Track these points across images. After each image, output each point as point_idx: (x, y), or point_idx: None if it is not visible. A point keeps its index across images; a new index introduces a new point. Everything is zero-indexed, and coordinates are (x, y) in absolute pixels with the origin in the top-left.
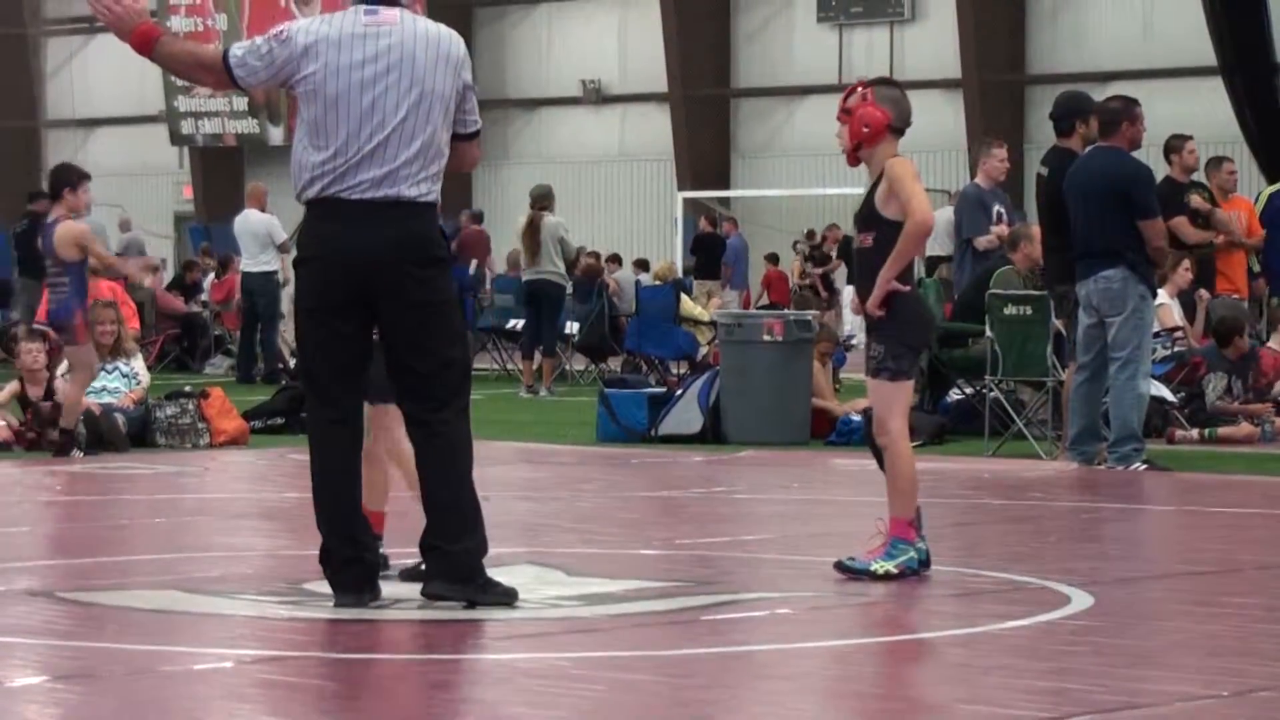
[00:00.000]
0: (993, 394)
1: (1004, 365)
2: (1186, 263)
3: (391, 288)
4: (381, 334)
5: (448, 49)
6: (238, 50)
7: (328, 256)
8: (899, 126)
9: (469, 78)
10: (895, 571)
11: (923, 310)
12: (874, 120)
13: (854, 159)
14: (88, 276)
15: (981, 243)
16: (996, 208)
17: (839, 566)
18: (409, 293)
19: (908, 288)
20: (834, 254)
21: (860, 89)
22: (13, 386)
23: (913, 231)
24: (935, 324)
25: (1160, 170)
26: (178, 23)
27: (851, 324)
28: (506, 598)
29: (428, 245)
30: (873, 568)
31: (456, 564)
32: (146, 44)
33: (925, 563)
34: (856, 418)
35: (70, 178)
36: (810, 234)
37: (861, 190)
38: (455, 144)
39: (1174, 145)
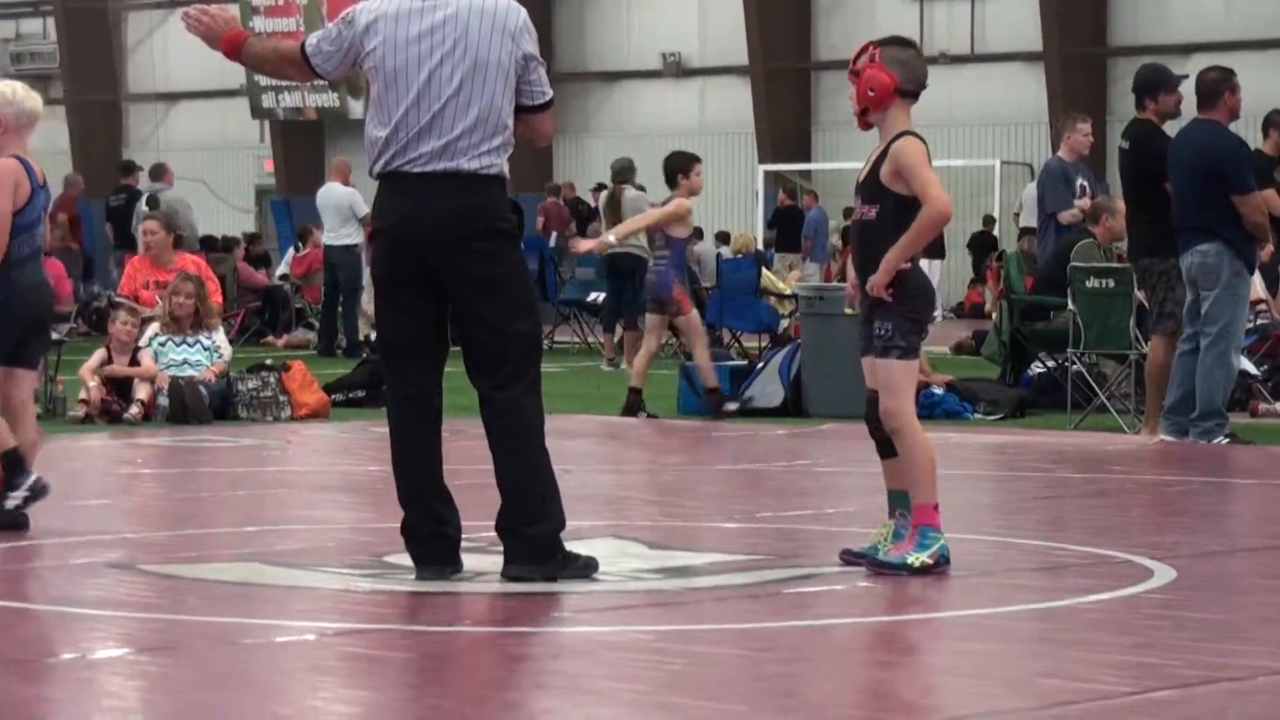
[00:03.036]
0: (1075, 367)
1: (1086, 338)
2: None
3: (453, 262)
4: (451, 307)
5: (504, 19)
6: (313, 40)
7: (393, 230)
8: (910, 89)
9: (531, 48)
10: (930, 561)
11: (926, 284)
12: (880, 84)
13: (864, 123)
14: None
15: (1065, 216)
16: (1080, 181)
17: (852, 557)
18: (470, 267)
19: (909, 265)
20: None
21: (870, 49)
22: (100, 355)
23: (929, 220)
24: (934, 298)
25: (1254, 143)
26: (260, 23)
27: None
28: (586, 570)
29: (490, 218)
30: (908, 560)
31: (533, 545)
32: (235, 49)
33: (948, 560)
34: (938, 390)
35: None
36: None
37: (954, 163)
38: (524, 116)
39: (1272, 120)
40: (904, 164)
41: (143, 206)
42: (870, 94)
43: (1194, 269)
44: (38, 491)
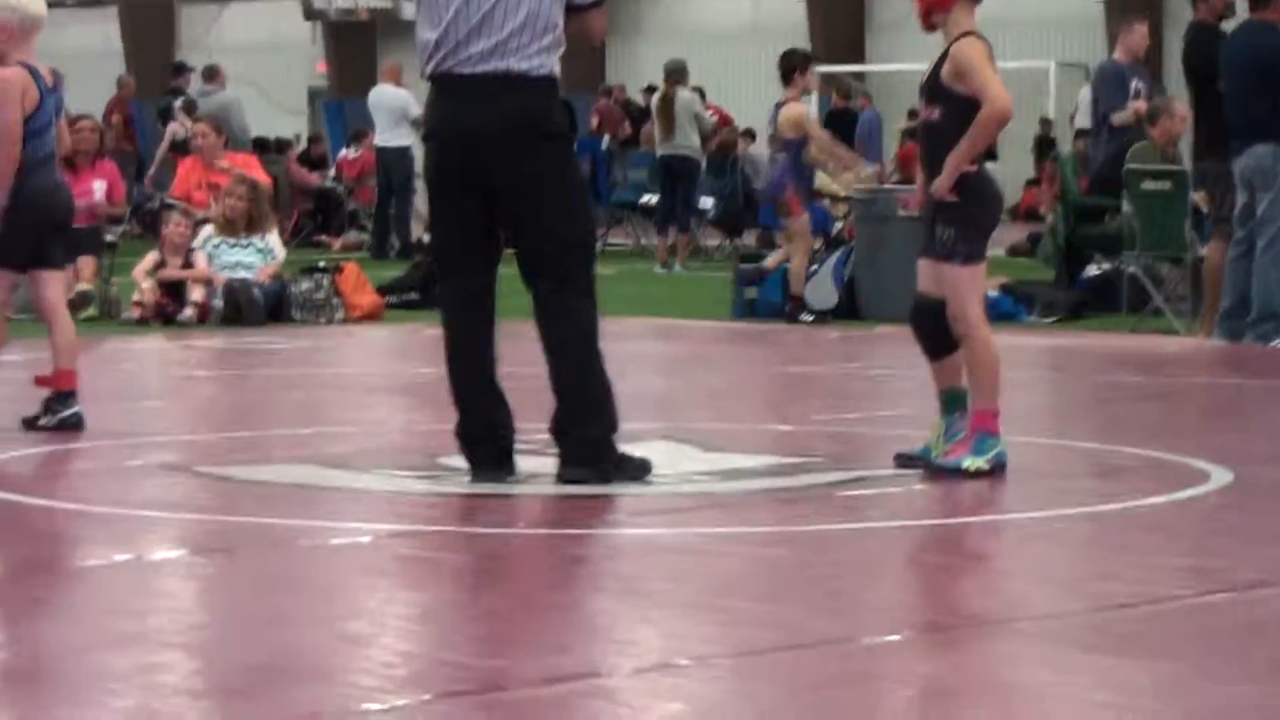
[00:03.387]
0: (1130, 269)
1: (1141, 240)
2: None
3: (503, 163)
4: (501, 210)
5: None
6: None
7: (444, 133)
8: None
9: None
10: (986, 467)
11: (993, 189)
12: None
13: (928, 25)
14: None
15: (1118, 118)
16: (1135, 83)
17: (906, 459)
18: (521, 169)
19: (975, 168)
20: None
21: None
22: (153, 257)
23: (988, 119)
24: (1003, 203)
25: None
26: None
27: None
28: (640, 471)
29: (541, 120)
30: (964, 464)
31: (588, 447)
32: None
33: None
34: (993, 293)
35: None
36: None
37: (1012, 64)
38: (575, 15)
39: None
40: (963, 64)
41: (176, 107)
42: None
43: (1248, 170)
44: (70, 423)
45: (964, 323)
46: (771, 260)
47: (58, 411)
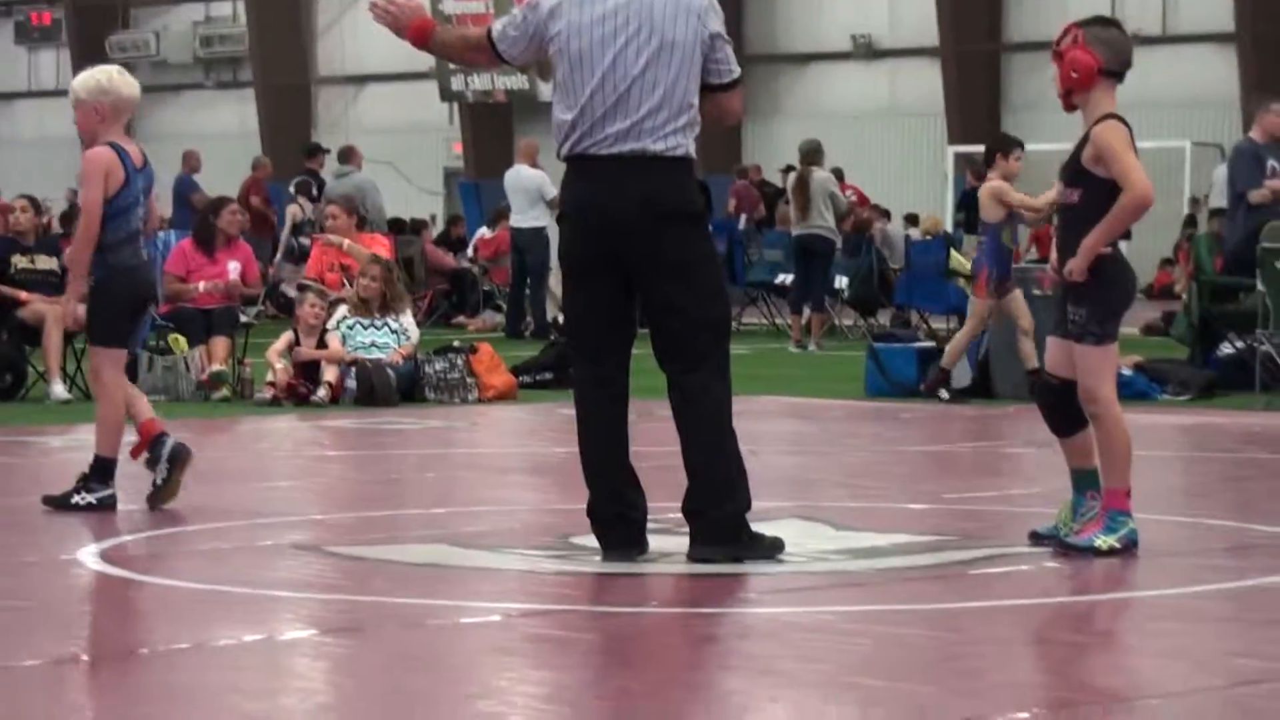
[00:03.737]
0: (1264, 348)
1: (1275, 318)
2: None
3: (642, 245)
4: (636, 291)
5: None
6: (498, 25)
7: (580, 215)
8: (1114, 70)
9: (717, 27)
10: (1118, 546)
11: (1127, 272)
12: (1083, 65)
13: (1068, 105)
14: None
15: (1255, 196)
16: (1271, 162)
17: (1040, 538)
18: (659, 250)
19: (1110, 250)
20: None
21: (1072, 30)
22: (287, 337)
23: (1130, 205)
24: (1137, 285)
25: None
26: (450, 6)
27: None
28: (772, 551)
29: (678, 201)
30: (1096, 543)
31: (720, 527)
32: (423, 38)
33: (1135, 543)
34: (1127, 371)
35: None
36: None
37: (1145, 144)
38: (712, 95)
39: None
40: (1103, 148)
41: (291, 190)
42: (1073, 75)
43: None
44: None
45: (1096, 402)
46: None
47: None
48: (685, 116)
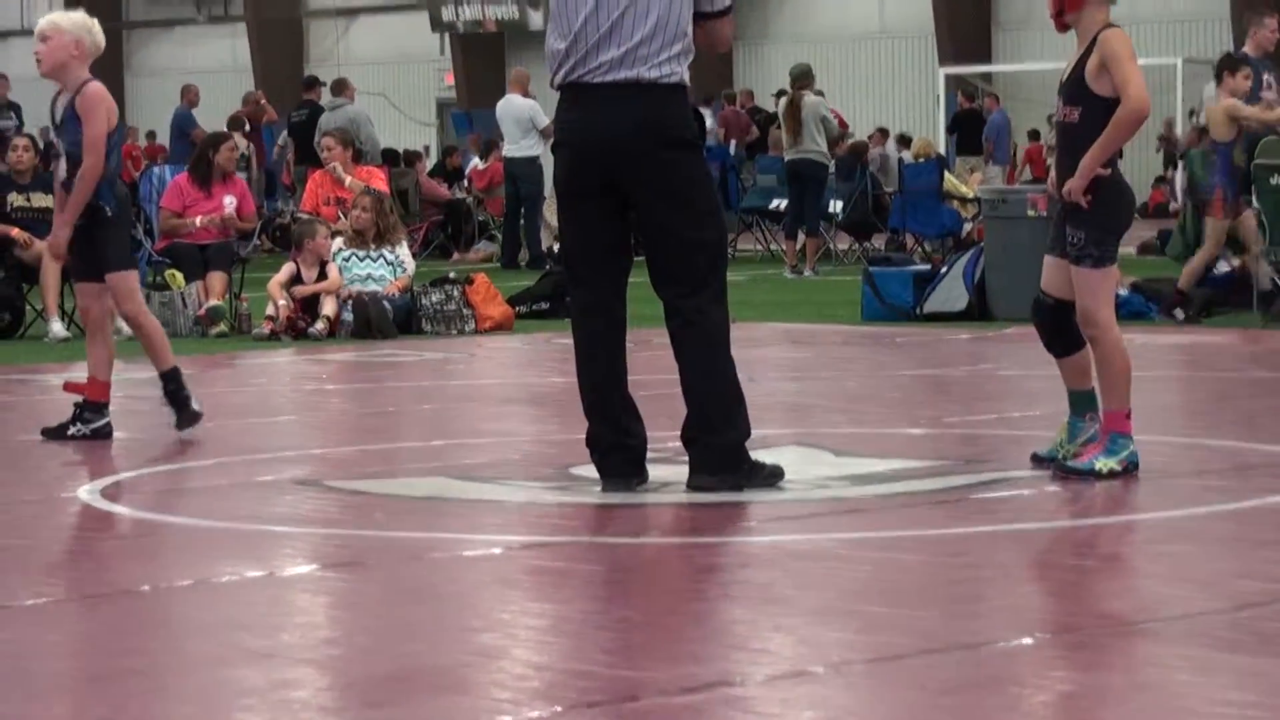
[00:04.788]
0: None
1: (1272, 235)
2: None
3: (637, 172)
4: (632, 218)
5: None
6: None
7: (574, 142)
8: None
9: None
10: (1119, 468)
11: (1125, 192)
12: None
13: (1061, 25)
14: None
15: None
16: (1266, 77)
17: (1040, 460)
18: (655, 177)
19: (1109, 171)
20: None
21: None
22: (288, 269)
23: (1127, 117)
24: (1136, 205)
25: None
26: None
27: None
28: (773, 478)
29: (673, 127)
30: (1096, 466)
31: (719, 455)
32: None
33: (1137, 465)
34: (1124, 291)
35: None
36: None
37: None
38: (704, 22)
39: None
40: (1109, 54)
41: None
42: None
43: None
44: (104, 433)
45: (1095, 325)
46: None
47: (91, 420)
48: (679, 44)
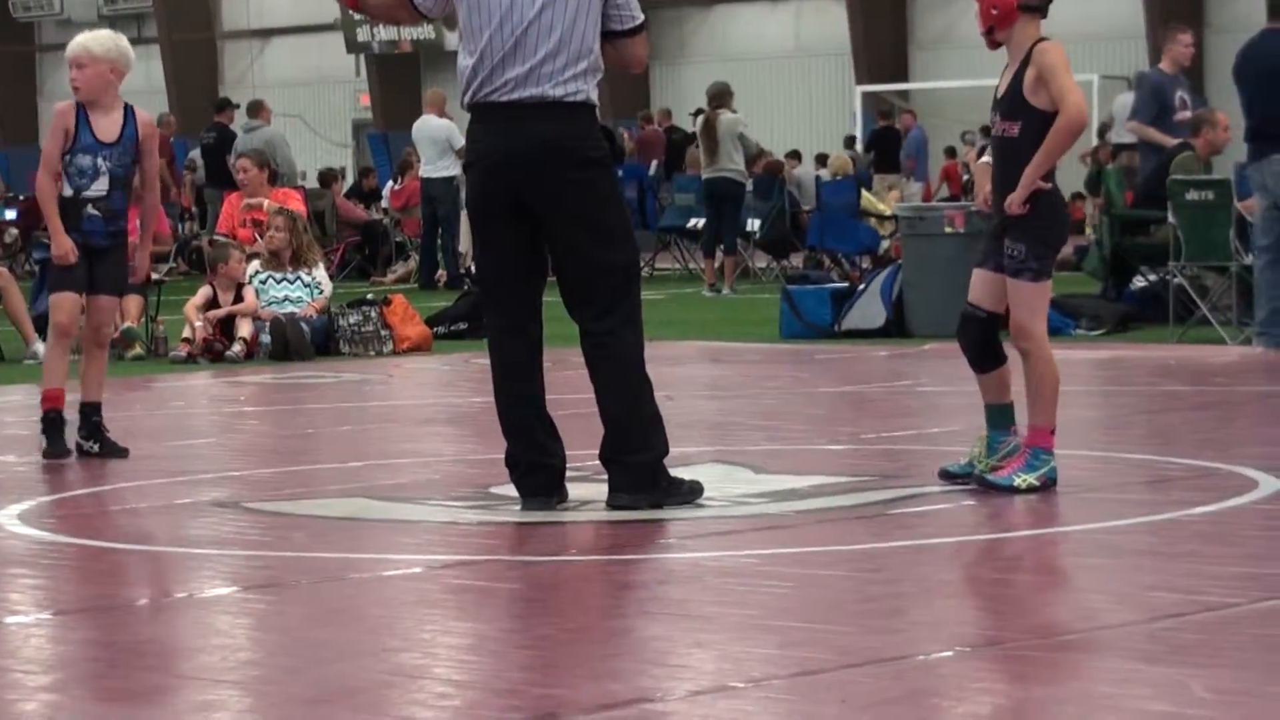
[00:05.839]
0: (1176, 280)
1: (1187, 251)
2: None
3: (543, 192)
4: (543, 237)
5: None
6: None
7: (483, 162)
8: (1035, 4)
9: None
10: (1037, 484)
11: (1063, 207)
12: (1001, 2)
13: (992, 43)
14: None
15: (1128, 126)
16: (1180, 94)
17: (952, 476)
18: (562, 196)
19: (1049, 185)
20: None
21: None
22: (205, 293)
23: (1065, 127)
24: (1070, 220)
25: None
26: None
27: None
28: (692, 495)
29: (580, 146)
30: (1015, 481)
31: (637, 473)
32: (356, 4)
33: (1054, 481)
34: None
35: None
36: (985, 129)
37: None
38: (616, 42)
39: None
40: (1045, 66)
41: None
42: (994, 12)
43: (1270, 178)
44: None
45: (1030, 339)
46: None
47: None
48: (584, 62)
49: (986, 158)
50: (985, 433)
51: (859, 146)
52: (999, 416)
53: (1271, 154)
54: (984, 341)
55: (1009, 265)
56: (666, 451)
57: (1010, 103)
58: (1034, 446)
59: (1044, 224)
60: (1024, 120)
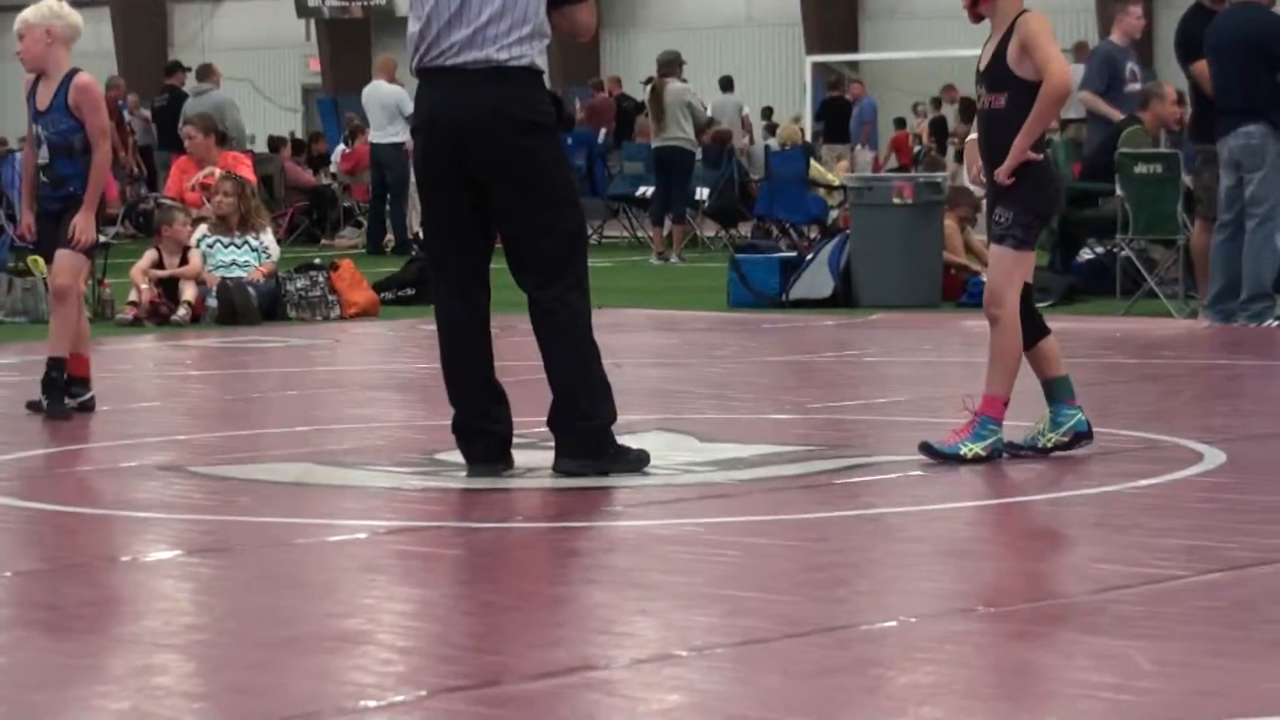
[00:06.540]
0: (1124, 253)
1: (1135, 224)
2: None
3: (487, 154)
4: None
5: None
6: None
7: (429, 127)
8: None
9: None
10: (983, 454)
11: (1054, 177)
12: None
13: (975, 15)
14: None
15: (1081, 96)
16: (1130, 65)
17: (925, 449)
18: (507, 161)
19: (1040, 156)
20: (957, 115)
21: None
22: (150, 256)
23: (1049, 94)
24: (1065, 190)
25: None
26: None
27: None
28: (638, 463)
29: (524, 111)
30: (961, 450)
31: (583, 440)
32: None
33: (1087, 433)
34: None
35: None
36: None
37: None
38: (561, 8)
39: None
40: (1027, 33)
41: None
42: None
43: (1237, 151)
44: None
45: (1000, 306)
46: None
47: (79, 395)
48: (529, 26)
49: (975, 133)
50: (1050, 407)
51: (807, 120)
52: (1056, 389)
53: (1239, 127)
54: (1022, 315)
55: (994, 231)
56: (614, 419)
57: (995, 75)
58: (985, 415)
59: (1034, 192)
60: (1010, 91)
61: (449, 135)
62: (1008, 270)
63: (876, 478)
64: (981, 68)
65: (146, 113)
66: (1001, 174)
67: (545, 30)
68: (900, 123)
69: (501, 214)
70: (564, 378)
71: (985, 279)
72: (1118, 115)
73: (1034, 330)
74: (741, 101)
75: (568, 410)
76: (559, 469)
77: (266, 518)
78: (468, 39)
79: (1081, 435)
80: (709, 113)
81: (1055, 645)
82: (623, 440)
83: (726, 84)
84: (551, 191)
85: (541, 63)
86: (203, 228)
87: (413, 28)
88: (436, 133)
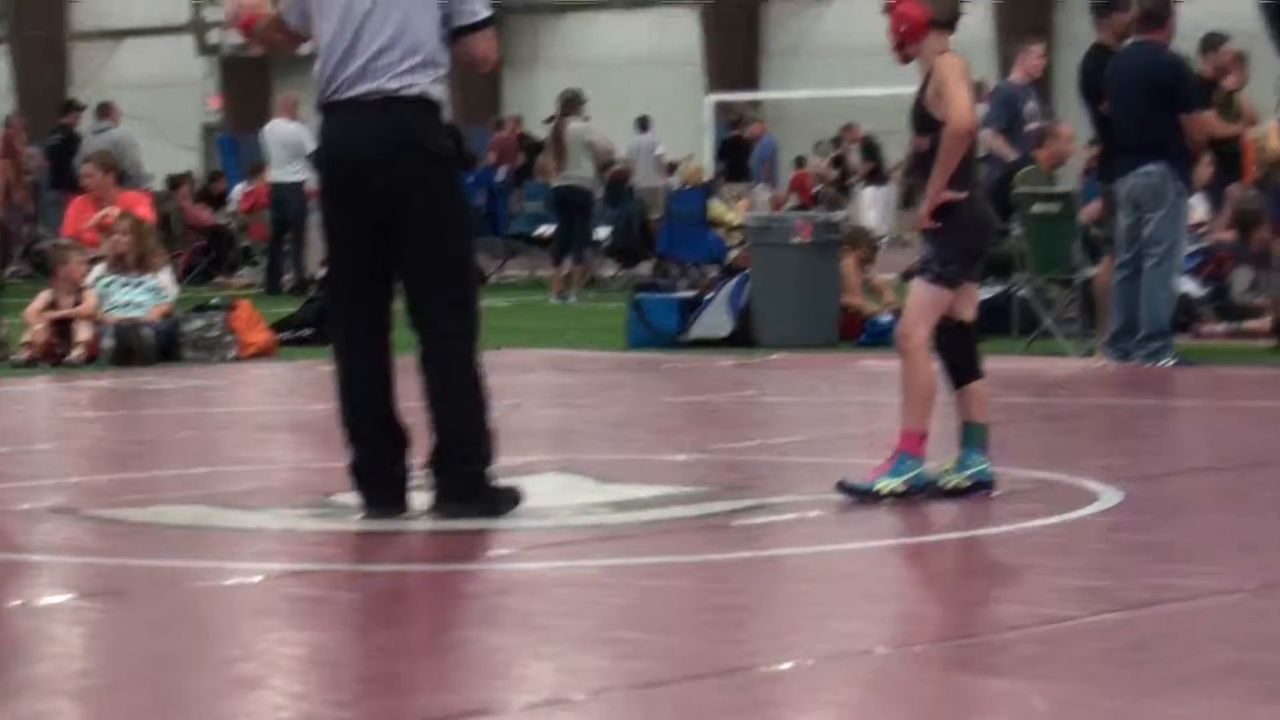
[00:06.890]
0: (1021, 292)
1: (1032, 262)
2: (1207, 157)
3: (381, 184)
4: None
5: None
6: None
7: (325, 159)
8: (944, 20)
9: None
10: (901, 489)
11: (980, 215)
12: (910, 16)
13: (903, 56)
14: None
15: (985, 136)
16: (1030, 104)
17: (843, 487)
18: (398, 190)
19: (963, 195)
20: (858, 154)
21: None
22: (45, 296)
23: (950, 135)
24: (994, 226)
25: None
26: None
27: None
28: (513, 502)
29: (414, 140)
30: (876, 486)
31: (460, 484)
32: (248, 28)
33: (988, 485)
34: (886, 318)
35: None
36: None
37: (904, 90)
38: (460, 38)
39: (1211, 43)
40: (939, 77)
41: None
42: (902, 29)
43: (1137, 190)
44: None
45: (909, 339)
46: None
47: None
48: (419, 55)
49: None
50: (960, 451)
51: (707, 159)
52: (973, 434)
53: (1139, 166)
54: (959, 351)
55: (916, 264)
56: (491, 461)
57: (918, 117)
58: (903, 451)
59: (955, 232)
60: (932, 134)
61: (345, 166)
62: (921, 304)
63: (775, 519)
64: (911, 110)
65: (35, 150)
66: (921, 218)
67: (439, 60)
68: (800, 161)
69: (398, 245)
70: (442, 419)
71: (884, 319)
72: (1011, 155)
73: (968, 372)
74: (656, 141)
75: (455, 452)
76: (440, 513)
77: (160, 561)
78: (360, 70)
79: (983, 484)
80: (624, 152)
81: (954, 686)
82: (519, 480)
83: (643, 124)
84: (442, 222)
85: (436, 93)
86: (100, 267)
87: (316, 66)
88: (334, 164)
